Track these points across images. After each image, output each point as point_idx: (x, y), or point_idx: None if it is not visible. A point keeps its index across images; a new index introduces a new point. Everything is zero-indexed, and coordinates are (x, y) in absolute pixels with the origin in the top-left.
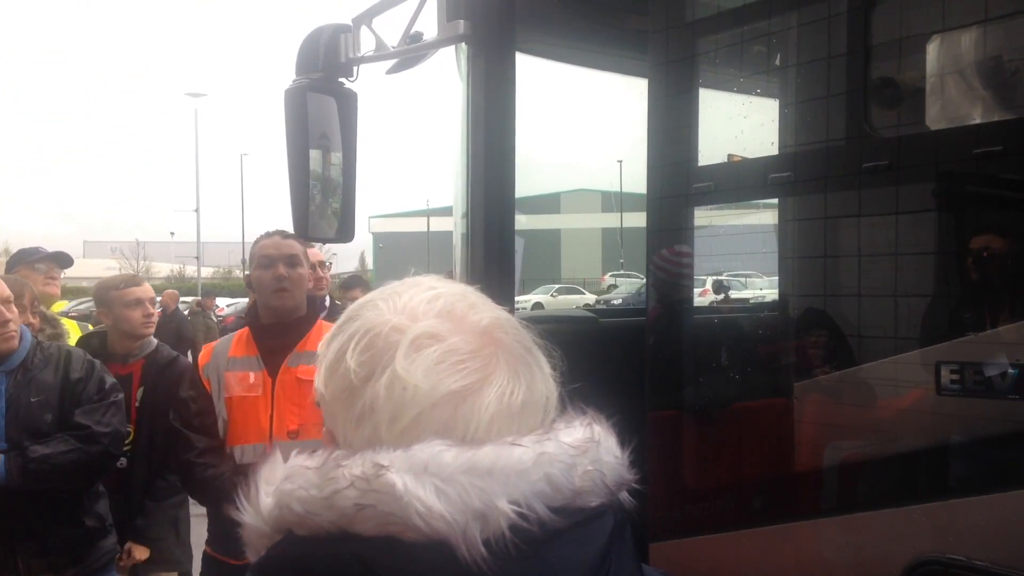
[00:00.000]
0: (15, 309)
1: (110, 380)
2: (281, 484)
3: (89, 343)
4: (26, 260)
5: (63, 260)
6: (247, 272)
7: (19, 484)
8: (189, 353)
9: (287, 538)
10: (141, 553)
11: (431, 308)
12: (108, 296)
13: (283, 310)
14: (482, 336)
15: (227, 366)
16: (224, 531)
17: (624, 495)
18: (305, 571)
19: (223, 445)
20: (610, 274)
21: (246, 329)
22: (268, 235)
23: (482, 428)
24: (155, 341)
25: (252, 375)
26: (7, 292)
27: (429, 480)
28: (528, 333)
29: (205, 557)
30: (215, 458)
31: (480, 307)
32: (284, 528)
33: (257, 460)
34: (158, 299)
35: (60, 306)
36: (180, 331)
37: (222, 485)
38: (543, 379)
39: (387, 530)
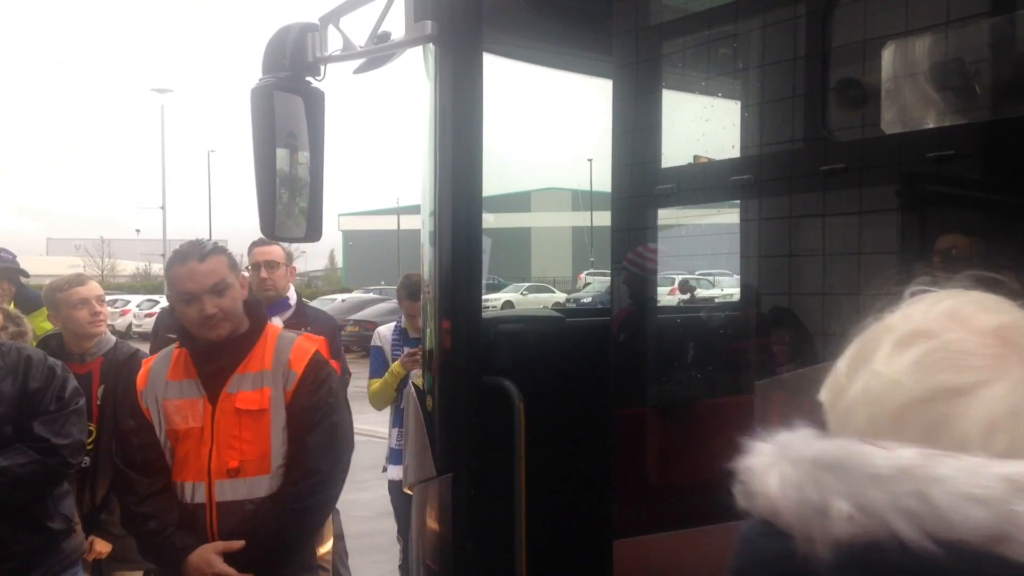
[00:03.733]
0: None
1: (71, 386)
2: None
3: (48, 344)
4: None
5: (11, 275)
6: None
7: None
8: None
9: None
10: (103, 547)
11: (931, 311)
12: (55, 299)
13: (218, 341)
14: (989, 337)
15: (165, 392)
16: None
17: None
18: None
19: (169, 484)
20: (586, 273)
21: (184, 349)
22: (182, 259)
23: (976, 433)
24: (113, 338)
25: (192, 403)
26: None
27: None
28: None
29: None
30: (158, 506)
31: (996, 311)
32: None
33: (197, 501)
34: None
35: (43, 315)
36: None
37: (162, 546)
38: None
39: None
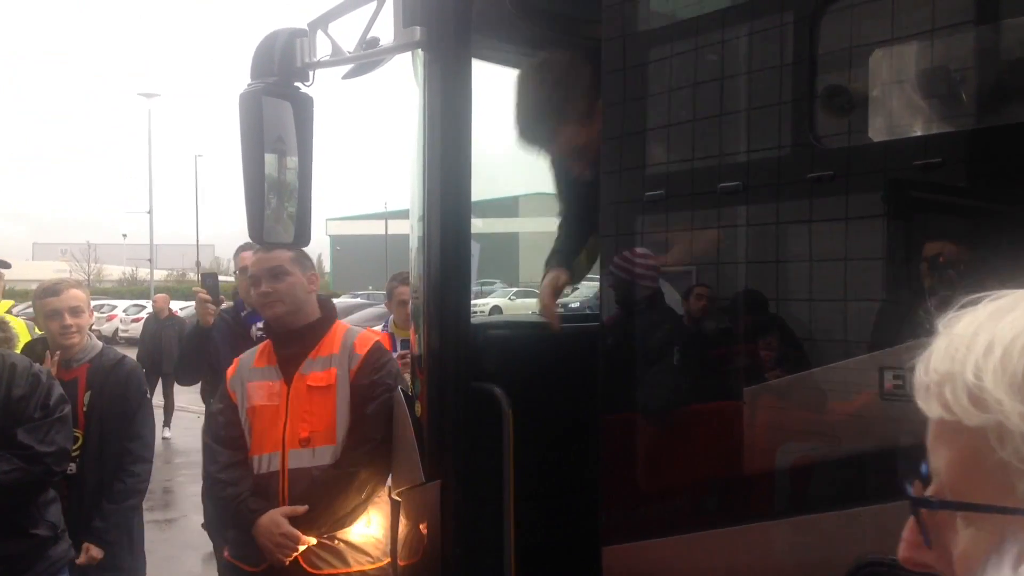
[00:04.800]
0: None
1: (56, 393)
2: None
3: (34, 349)
4: None
5: None
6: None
7: None
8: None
9: None
10: (97, 552)
11: None
12: (36, 305)
13: (276, 321)
14: None
15: (249, 376)
16: (244, 538)
17: None
18: None
19: (246, 459)
20: None
21: (269, 341)
22: (252, 248)
23: None
24: (99, 344)
25: (271, 384)
26: None
27: None
28: None
29: (224, 564)
30: (237, 474)
31: None
32: None
33: (272, 470)
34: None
35: (5, 306)
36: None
37: (237, 509)
38: None
39: None
